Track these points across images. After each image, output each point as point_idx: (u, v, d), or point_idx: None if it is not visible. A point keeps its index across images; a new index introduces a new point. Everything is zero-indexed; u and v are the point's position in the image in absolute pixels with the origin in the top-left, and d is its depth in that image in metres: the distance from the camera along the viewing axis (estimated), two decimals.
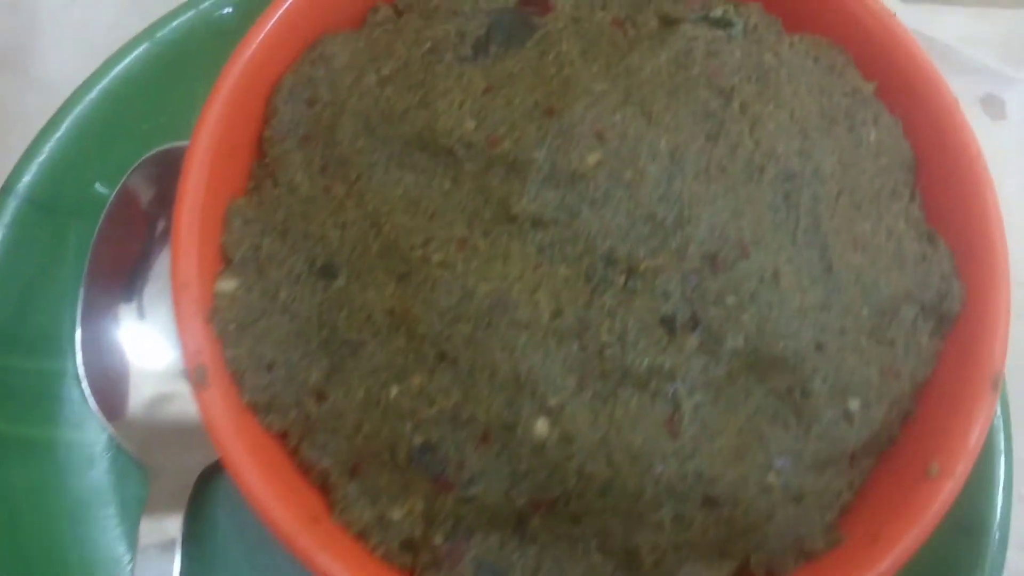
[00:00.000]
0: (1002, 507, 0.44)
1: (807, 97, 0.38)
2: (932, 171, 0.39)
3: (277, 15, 0.37)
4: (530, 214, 0.34)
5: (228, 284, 0.35)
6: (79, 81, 0.49)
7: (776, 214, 0.36)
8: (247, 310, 0.35)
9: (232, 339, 0.34)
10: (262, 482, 0.31)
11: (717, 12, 0.39)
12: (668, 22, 0.39)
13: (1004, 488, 0.45)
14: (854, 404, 0.35)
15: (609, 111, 0.36)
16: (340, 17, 0.40)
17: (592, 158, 0.35)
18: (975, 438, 0.34)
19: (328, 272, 0.35)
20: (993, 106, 0.64)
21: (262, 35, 0.37)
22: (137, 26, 0.52)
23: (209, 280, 0.35)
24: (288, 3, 0.37)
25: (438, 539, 0.33)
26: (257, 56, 0.37)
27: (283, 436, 0.35)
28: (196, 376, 0.33)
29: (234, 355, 0.34)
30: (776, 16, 0.40)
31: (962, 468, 0.33)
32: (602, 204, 0.34)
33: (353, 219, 0.36)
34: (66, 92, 0.49)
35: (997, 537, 0.44)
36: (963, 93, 0.64)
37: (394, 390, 0.34)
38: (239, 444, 0.32)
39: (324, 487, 0.34)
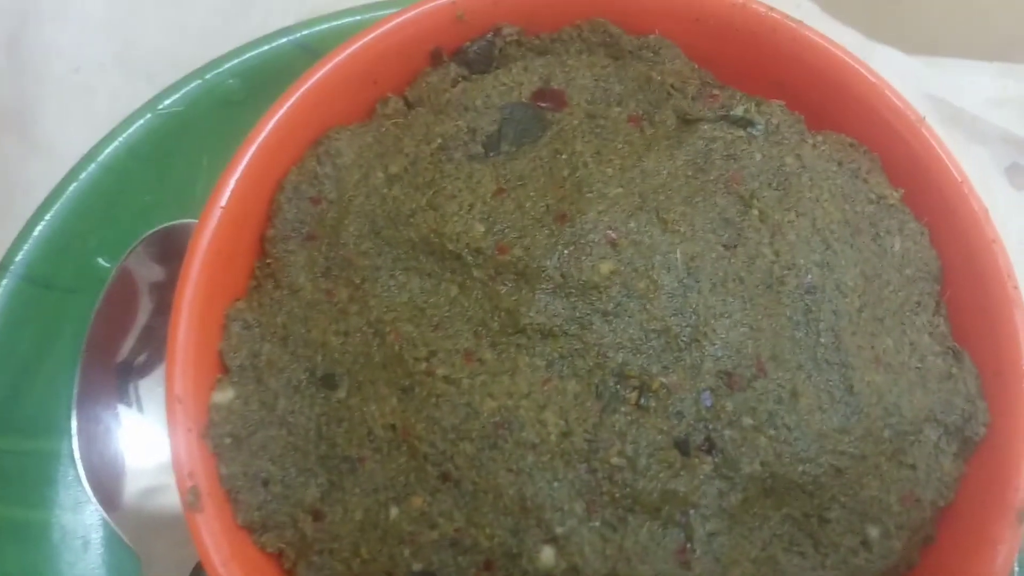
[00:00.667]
0: None
1: (830, 204, 0.36)
2: (959, 283, 0.37)
3: (285, 108, 0.36)
4: (539, 326, 0.33)
5: (224, 395, 0.34)
6: (83, 148, 0.48)
7: (795, 330, 0.35)
8: (243, 422, 0.34)
9: (227, 455, 0.33)
10: None
11: (738, 111, 0.38)
12: (687, 121, 0.38)
13: None
14: (873, 532, 0.34)
15: (623, 217, 0.35)
16: (348, 109, 0.39)
17: (605, 268, 0.34)
18: (999, 571, 0.32)
19: (329, 383, 0.34)
20: (1018, 176, 0.63)
21: (268, 129, 0.36)
22: (145, 91, 0.51)
23: (205, 391, 0.34)
24: (296, 96, 0.36)
25: None
26: (262, 152, 0.36)
27: (279, 556, 0.33)
28: (188, 499, 0.31)
29: (229, 473, 0.33)
30: (799, 114, 0.39)
31: None
32: (614, 316, 0.33)
33: (356, 326, 0.35)
34: (70, 159, 0.48)
35: None
36: (988, 163, 0.63)
37: (394, 511, 0.32)
38: (233, 570, 0.31)
39: None
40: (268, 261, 0.37)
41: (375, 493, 0.33)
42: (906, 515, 0.34)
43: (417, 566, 0.32)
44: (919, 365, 0.36)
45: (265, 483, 0.33)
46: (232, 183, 0.35)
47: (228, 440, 0.33)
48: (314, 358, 0.35)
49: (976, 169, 0.60)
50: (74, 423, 0.43)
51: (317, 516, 0.33)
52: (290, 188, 0.37)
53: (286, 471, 0.34)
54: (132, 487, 0.43)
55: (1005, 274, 0.35)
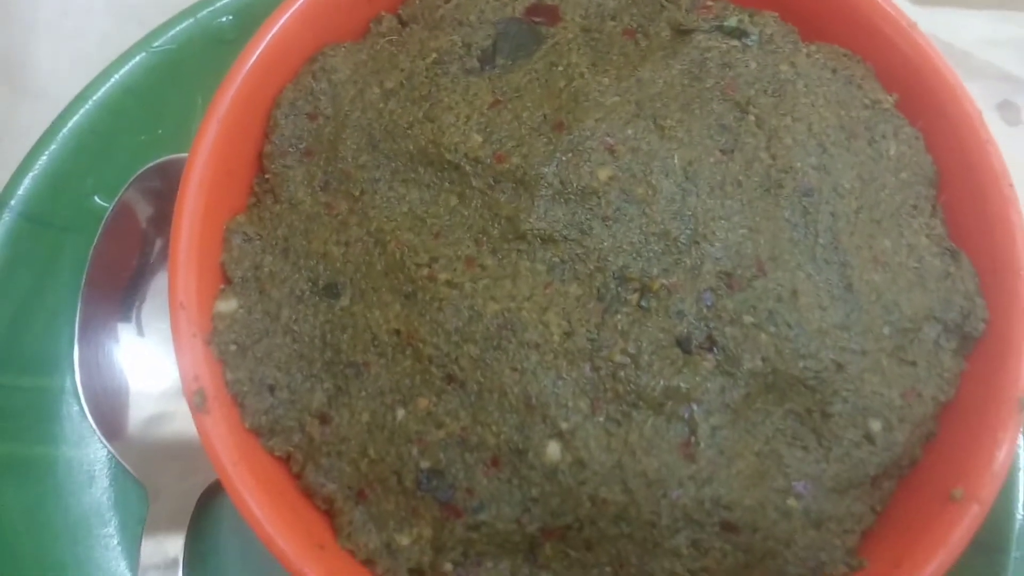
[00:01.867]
0: (1021, 525, 0.43)
1: (825, 109, 0.37)
2: (955, 186, 0.38)
3: (277, 26, 0.36)
4: (539, 231, 0.33)
5: (228, 304, 0.34)
6: (75, 92, 0.48)
7: (794, 231, 0.35)
8: (248, 331, 0.34)
9: (233, 361, 0.33)
10: (266, 509, 0.30)
11: (732, 21, 0.38)
12: (681, 32, 0.38)
13: None
14: (875, 426, 0.34)
15: (620, 125, 0.35)
16: (341, 28, 0.39)
17: (603, 174, 0.34)
18: (1001, 462, 0.33)
19: (331, 291, 0.34)
20: (1010, 112, 0.63)
21: (261, 47, 0.36)
22: (135, 35, 0.51)
23: (208, 301, 0.34)
24: (288, 14, 0.36)
25: (447, 567, 0.32)
26: (257, 69, 0.36)
27: (287, 460, 0.34)
28: (195, 401, 0.31)
29: (235, 378, 0.33)
30: (792, 25, 0.39)
31: (988, 492, 0.32)
32: (614, 221, 0.34)
33: (356, 237, 0.35)
34: (62, 103, 0.48)
35: (1015, 556, 0.43)
36: (980, 99, 0.63)
37: (400, 413, 0.33)
38: (242, 471, 0.31)
39: (329, 511, 0.33)
40: (266, 177, 0.37)
41: (381, 396, 0.33)
42: (908, 409, 0.34)
43: (425, 464, 0.32)
44: (917, 265, 0.36)
45: (271, 389, 0.34)
46: (228, 98, 0.35)
47: (233, 347, 0.34)
48: (316, 268, 0.35)
49: None
50: (76, 356, 0.43)
51: (324, 420, 0.33)
52: (286, 104, 0.37)
53: (292, 377, 0.34)
54: (136, 418, 0.43)
55: (999, 173, 0.36)
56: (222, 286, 0.35)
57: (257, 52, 0.36)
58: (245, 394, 0.33)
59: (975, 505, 0.32)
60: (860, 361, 0.34)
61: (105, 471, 0.44)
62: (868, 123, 0.38)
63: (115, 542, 0.43)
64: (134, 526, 0.43)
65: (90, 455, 0.44)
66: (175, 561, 0.40)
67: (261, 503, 0.31)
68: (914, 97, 0.38)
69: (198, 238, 0.33)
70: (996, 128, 0.63)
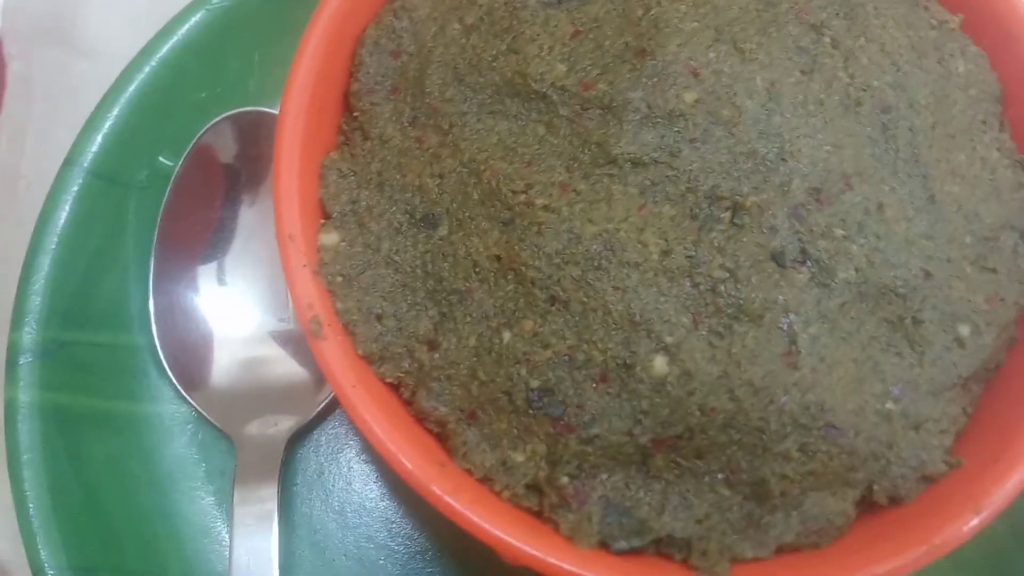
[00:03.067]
0: None
1: (896, 30, 0.38)
2: (1020, 102, 0.39)
3: None
4: (630, 155, 0.34)
5: (331, 238, 0.35)
6: (126, 51, 0.48)
7: (875, 147, 0.36)
8: (352, 263, 0.35)
9: (340, 292, 0.34)
10: (389, 429, 0.31)
11: None
12: None
13: None
14: (964, 330, 0.35)
15: (702, 49, 0.35)
16: None
17: (689, 96, 0.35)
18: None
19: (429, 222, 0.35)
20: None
21: None
22: None
23: (312, 234, 0.34)
24: None
25: (563, 480, 0.33)
26: (340, 10, 0.36)
27: (397, 386, 0.34)
28: (312, 327, 0.32)
29: (344, 307, 0.34)
30: None
31: None
32: (702, 142, 0.34)
33: (450, 168, 0.35)
34: (115, 62, 0.48)
35: None
36: None
37: (506, 335, 0.33)
38: (361, 393, 0.31)
39: (442, 434, 0.34)
40: (355, 115, 0.37)
41: (486, 320, 0.33)
42: (993, 314, 0.35)
43: (535, 383, 0.33)
44: (991, 177, 0.37)
45: (379, 318, 0.34)
46: (316, 38, 0.35)
47: (339, 279, 0.34)
48: (412, 201, 0.35)
49: None
50: (152, 310, 0.43)
51: (432, 346, 0.34)
52: (370, 43, 0.38)
53: (397, 306, 0.34)
54: (218, 368, 0.43)
55: None
56: (322, 220, 0.35)
57: None
58: (355, 323, 0.34)
59: None
60: (946, 268, 0.35)
61: (188, 424, 0.44)
62: (936, 43, 0.38)
63: (201, 494, 0.43)
64: (219, 478, 0.44)
65: (171, 409, 0.44)
66: (270, 511, 0.40)
67: (380, 423, 0.31)
68: (977, 18, 0.39)
69: (298, 175, 0.34)
70: None
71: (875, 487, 0.34)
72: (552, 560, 0.31)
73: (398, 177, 0.36)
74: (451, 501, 0.31)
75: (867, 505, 0.35)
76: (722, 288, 0.33)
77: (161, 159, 0.46)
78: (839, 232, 0.34)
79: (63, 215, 0.44)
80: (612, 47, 0.36)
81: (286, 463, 0.43)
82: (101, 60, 0.50)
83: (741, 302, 0.33)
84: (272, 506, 0.40)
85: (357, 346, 0.34)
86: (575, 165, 0.35)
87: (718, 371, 0.32)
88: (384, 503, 0.44)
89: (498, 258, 0.34)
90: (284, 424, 0.42)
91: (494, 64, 0.36)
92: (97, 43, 0.51)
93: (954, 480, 0.34)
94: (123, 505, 0.42)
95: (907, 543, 0.32)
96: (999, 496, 0.32)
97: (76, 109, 0.49)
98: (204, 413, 0.43)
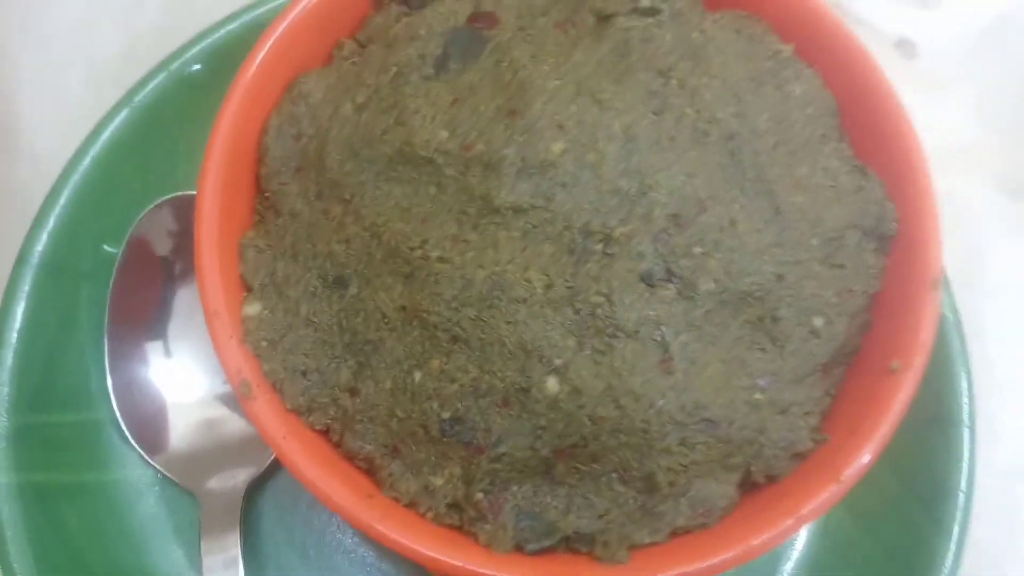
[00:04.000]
0: (967, 398, 0.50)
1: (735, 65, 0.43)
2: (854, 113, 0.44)
3: (255, 64, 0.41)
4: (510, 204, 0.38)
5: (253, 308, 0.39)
6: (61, 149, 0.53)
7: (724, 171, 0.41)
8: (274, 328, 0.39)
9: (266, 355, 0.38)
10: (318, 472, 0.35)
11: (645, 2, 0.44)
12: (603, 17, 0.43)
13: (966, 380, 0.50)
14: (819, 322, 0.40)
15: (565, 104, 0.40)
16: (310, 57, 0.44)
17: (557, 147, 0.39)
18: (926, 333, 0.39)
19: (340, 283, 0.40)
20: (907, 47, 0.70)
21: (245, 83, 0.41)
22: (111, 95, 0.55)
23: (236, 307, 0.39)
24: (262, 53, 0.41)
25: (479, 496, 0.37)
26: (244, 103, 0.41)
27: (326, 432, 0.39)
28: (241, 390, 0.36)
29: (271, 368, 0.38)
30: None
31: (919, 360, 0.38)
32: (572, 185, 0.39)
33: (354, 233, 0.40)
34: (51, 161, 0.53)
35: (968, 429, 0.50)
36: (880, 39, 0.69)
37: (418, 375, 0.38)
38: (292, 443, 0.36)
39: (370, 470, 0.39)
40: (267, 195, 0.42)
41: (398, 364, 0.38)
42: (843, 305, 0.40)
43: (446, 414, 0.37)
44: (832, 184, 0.42)
45: (303, 373, 0.39)
46: (223, 132, 0.40)
47: (264, 343, 0.39)
48: (323, 266, 0.40)
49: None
50: (109, 383, 0.48)
51: (353, 392, 0.38)
52: (273, 130, 0.42)
53: (319, 361, 0.39)
54: (175, 432, 0.48)
55: (888, 93, 0.42)
56: (245, 293, 0.40)
57: (242, 87, 0.41)
58: (282, 381, 0.38)
59: (909, 371, 0.38)
60: (797, 270, 0.40)
61: (154, 486, 0.48)
62: (773, 71, 0.43)
63: (173, 547, 0.48)
64: (188, 530, 0.48)
65: (137, 473, 0.48)
66: (234, 557, 0.45)
67: (312, 468, 0.36)
68: (807, 43, 0.44)
69: (218, 255, 0.38)
70: (896, 64, 0.70)
71: (752, 468, 0.39)
72: (473, 567, 0.35)
73: (309, 247, 0.40)
74: (380, 528, 0.35)
75: (749, 486, 0.40)
76: (600, 311, 0.37)
77: (105, 247, 0.50)
78: (698, 250, 0.39)
79: (19, 309, 0.48)
80: (487, 110, 0.40)
81: (248, 510, 0.48)
82: (40, 160, 0.55)
83: (618, 321, 0.37)
84: (236, 552, 0.45)
85: (285, 401, 0.38)
86: (464, 218, 0.39)
87: (603, 384, 0.37)
88: (339, 535, 0.48)
89: (403, 308, 0.38)
90: (241, 476, 0.47)
91: (384, 137, 0.41)
92: (33, 145, 0.56)
93: (821, 455, 0.39)
94: (104, 565, 0.46)
95: (779, 515, 0.36)
96: (856, 466, 0.37)
97: (23, 208, 0.54)
98: (167, 474, 0.47)
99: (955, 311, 0.52)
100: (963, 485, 0.49)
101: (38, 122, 0.56)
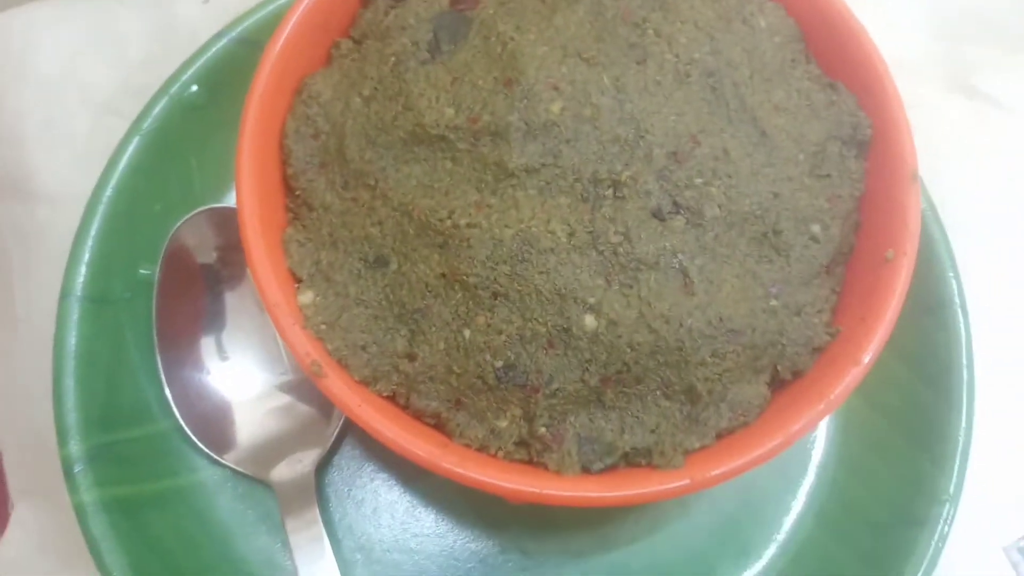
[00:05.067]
0: (956, 281, 0.54)
1: (703, 7, 0.46)
2: (817, 35, 0.48)
3: (264, 76, 0.44)
4: (523, 166, 0.42)
5: (307, 296, 0.43)
6: (78, 188, 0.56)
7: (710, 105, 0.44)
8: (329, 311, 0.42)
9: (327, 336, 0.42)
10: (396, 430, 0.39)
11: None
12: None
13: (951, 267, 0.54)
14: (816, 228, 0.44)
15: (555, 66, 0.43)
16: (312, 60, 0.47)
17: (555, 107, 0.43)
18: (913, 221, 0.43)
19: (381, 262, 0.43)
20: None
21: (258, 96, 0.44)
22: (116, 126, 0.58)
23: (292, 298, 0.42)
24: (269, 64, 0.44)
25: (541, 430, 0.41)
26: (260, 114, 0.44)
27: (393, 396, 0.42)
28: (313, 369, 0.40)
29: (334, 347, 0.42)
30: None
31: (911, 246, 0.43)
32: (575, 140, 0.42)
33: (385, 215, 0.43)
34: (70, 201, 0.55)
35: (961, 310, 0.54)
36: None
37: (467, 333, 0.41)
38: (367, 408, 0.39)
39: (439, 424, 0.42)
40: (297, 193, 0.45)
41: (447, 326, 0.42)
42: (834, 210, 0.44)
43: (499, 363, 0.41)
44: (808, 103, 0.46)
45: (363, 347, 0.42)
46: (247, 141, 0.43)
47: (323, 326, 0.42)
48: (363, 249, 0.43)
49: None
50: (168, 394, 0.51)
51: (411, 358, 0.42)
52: (292, 133, 0.45)
53: (375, 335, 0.42)
54: (240, 428, 0.51)
55: (846, 15, 0.46)
56: (296, 285, 0.43)
57: (256, 103, 0.44)
58: (346, 357, 0.42)
59: (903, 257, 0.42)
60: (789, 185, 0.44)
61: (228, 482, 0.51)
62: (738, 8, 0.47)
63: (256, 535, 0.51)
64: (267, 519, 0.51)
65: (210, 474, 0.52)
66: (319, 533, 0.48)
67: (390, 428, 0.39)
68: None
69: (266, 255, 0.42)
70: None
71: (779, 367, 0.43)
72: (549, 491, 0.39)
73: (346, 233, 0.44)
74: (460, 470, 0.39)
75: (778, 383, 0.44)
76: (621, 249, 0.41)
77: (141, 271, 0.53)
78: (699, 180, 0.43)
79: (72, 340, 0.51)
80: (485, 83, 0.44)
81: (319, 489, 0.51)
82: (58, 201, 0.57)
83: (638, 256, 0.41)
84: (319, 528, 0.48)
85: (353, 374, 0.41)
86: (483, 185, 0.43)
87: (635, 314, 0.41)
88: (407, 498, 0.52)
89: (443, 275, 0.42)
90: (308, 458, 0.50)
91: (396, 122, 0.44)
92: (50, 187, 0.58)
93: (837, 345, 0.43)
94: (195, 562, 0.50)
95: (811, 402, 0.41)
96: (870, 348, 0.41)
97: (50, 249, 0.57)
98: (239, 469, 0.50)
99: (932, 204, 0.56)
100: (964, 360, 0.53)
101: (48, 162, 0.58)
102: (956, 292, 0.54)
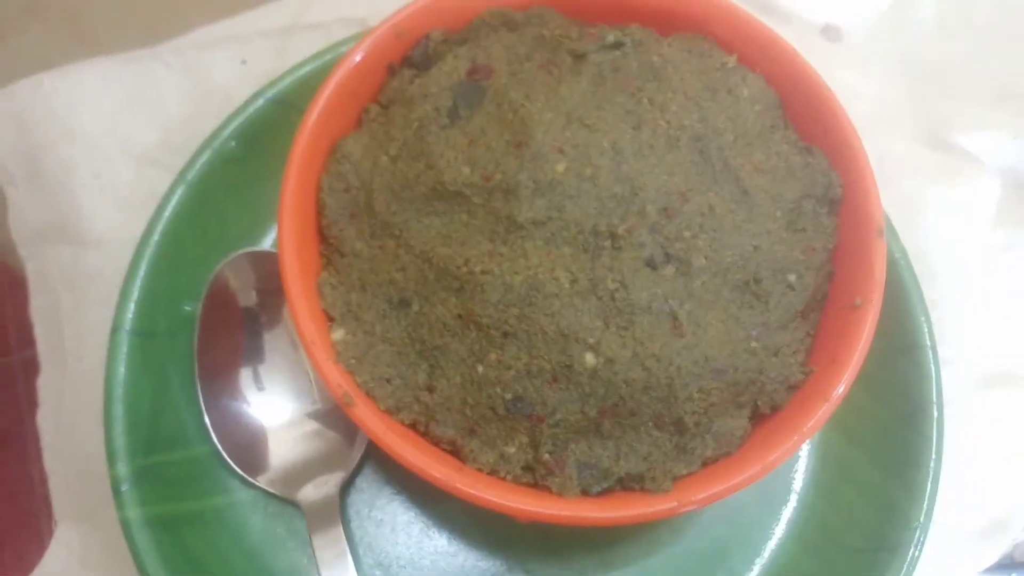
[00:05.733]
0: (927, 324, 0.59)
1: (692, 79, 0.52)
2: (794, 104, 0.53)
3: (304, 137, 0.50)
4: (530, 219, 0.47)
5: (339, 334, 0.48)
6: (124, 233, 0.61)
7: (697, 167, 0.50)
8: (358, 348, 0.48)
9: (356, 370, 0.47)
10: (417, 455, 0.44)
11: (610, 38, 0.53)
12: (578, 56, 0.52)
13: (922, 311, 0.59)
14: (792, 278, 0.49)
15: (560, 131, 0.49)
16: (345, 124, 0.52)
17: (560, 167, 0.48)
18: (879, 272, 0.48)
19: (404, 304, 0.48)
20: (832, 32, 0.79)
21: (299, 155, 0.49)
22: (156, 176, 0.64)
23: (325, 336, 0.47)
24: (307, 129, 0.50)
25: (546, 456, 0.46)
26: (300, 172, 0.49)
27: (413, 425, 0.47)
28: (345, 400, 0.45)
29: (362, 380, 0.47)
30: (651, 29, 0.54)
31: (876, 295, 0.47)
32: (577, 196, 0.47)
33: (408, 262, 0.49)
34: (116, 246, 0.61)
35: (931, 351, 0.59)
36: (806, 28, 0.79)
37: (480, 368, 0.46)
38: (391, 435, 0.44)
39: (454, 450, 0.47)
40: (330, 241, 0.51)
41: (463, 362, 0.47)
42: (809, 261, 0.50)
43: (508, 395, 0.46)
44: (786, 164, 0.52)
45: (388, 380, 0.47)
46: (289, 194, 0.49)
47: (353, 361, 0.47)
48: (388, 292, 0.49)
49: (795, 35, 0.77)
50: (207, 421, 0.56)
51: (430, 390, 0.47)
52: (327, 188, 0.51)
53: (398, 369, 0.47)
54: (272, 453, 0.56)
55: (819, 84, 0.51)
56: (329, 324, 0.48)
57: (296, 162, 0.49)
58: (372, 389, 0.47)
59: (870, 305, 0.47)
60: (768, 239, 0.49)
61: (260, 502, 0.56)
62: (723, 79, 0.53)
63: (285, 551, 0.56)
64: (295, 536, 0.56)
65: (244, 495, 0.56)
66: (343, 550, 0.53)
67: (410, 452, 0.44)
68: (749, 52, 0.53)
69: (304, 298, 0.47)
70: (822, 48, 0.79)
71: (758, 403, 0.48)
72: (551, 511, 0.44)
73: (373, 278, 0.49)
74: (473, 491, 0.44)
75: (758, 417, 0.49)
76: (618, 295, 0.46)
77: (185, 307, 0.59)
78: (687, 234, 0.48)
79: (121, 371, 0.56)
80: (498, 145, 0.49)
81: (343, 509, 0.56)
82: (105, 245, 0.62)
83: (633, 301, 0.46)
84: (343, 545, 0.53)
85: (379, 404, 0.47)
86: (495, 236, 0.48)
87: (630, 353, 0.46)
88: (423, 519, 0.56)
89: (459, 316, 0.47)
90: (333, 481, 0.55)
91: (419, 179, 0.49)
92: (97, 232, 0.63)
93: (811, 383, 0.48)
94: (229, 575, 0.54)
95: (786, 435, 0.45)
96: (839, 385, 0.46)
97: (98, 291, 0.62)
98: (271, 490, 0.55)
99: (904, 252, 0.61)
100: (934, 397, 0.58)
101: (95, 210, 0.64)
102: (927, 334, 0.59)
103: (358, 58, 0.52)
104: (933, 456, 0.57)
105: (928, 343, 0.59)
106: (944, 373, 0.59)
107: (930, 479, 0.57)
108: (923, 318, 0.59)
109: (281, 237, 0.47)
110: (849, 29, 0.79)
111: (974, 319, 0.67)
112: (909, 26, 0.80)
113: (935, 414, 0.58)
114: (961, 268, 0.68)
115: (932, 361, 0.59)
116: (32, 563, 0.60)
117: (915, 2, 0.80)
